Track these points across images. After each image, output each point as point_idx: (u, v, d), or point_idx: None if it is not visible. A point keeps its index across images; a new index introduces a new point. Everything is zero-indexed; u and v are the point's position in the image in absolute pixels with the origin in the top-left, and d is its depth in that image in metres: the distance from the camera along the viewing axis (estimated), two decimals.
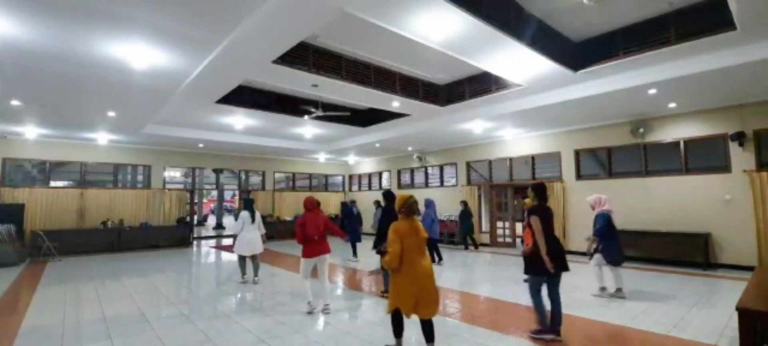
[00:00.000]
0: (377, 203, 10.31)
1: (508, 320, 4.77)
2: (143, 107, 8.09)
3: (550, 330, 4.05)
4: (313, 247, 5.16)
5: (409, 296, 3.41)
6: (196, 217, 18.52)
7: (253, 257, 7.08)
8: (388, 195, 6.08)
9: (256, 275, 7.12)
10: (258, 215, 7.30)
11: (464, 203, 11.47)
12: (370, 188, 17.36)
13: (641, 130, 8.85)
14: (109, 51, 5.17)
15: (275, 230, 15.13)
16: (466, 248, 11.36)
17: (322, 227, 5.21)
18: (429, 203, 8.85)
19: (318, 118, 9.22)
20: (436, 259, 8.71)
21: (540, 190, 4.21)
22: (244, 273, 7.13)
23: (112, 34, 4.74)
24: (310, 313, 5.04)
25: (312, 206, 5.33)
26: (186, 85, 6.64)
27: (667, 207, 8.47)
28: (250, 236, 6.98)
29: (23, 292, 6.57)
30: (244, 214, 7.11)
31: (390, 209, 5.70)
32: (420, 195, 9.61)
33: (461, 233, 11.55)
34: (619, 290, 5.70)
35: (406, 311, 3.44)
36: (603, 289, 5.79)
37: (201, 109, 8.83)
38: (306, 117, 9.09)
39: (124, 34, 4.75)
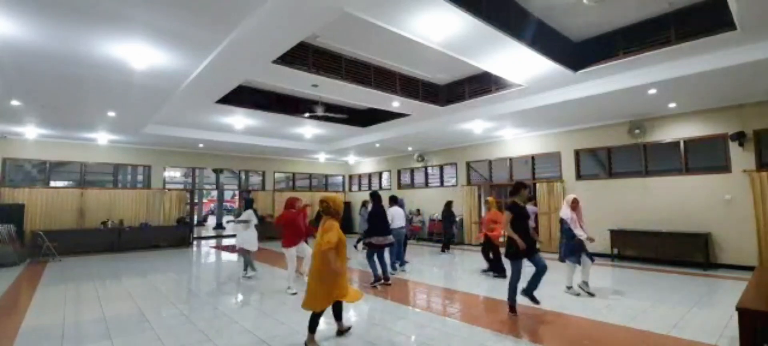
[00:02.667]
0: (365, 203, 11.09)
1: (508, 320, 4.77)
2: (143, 107, 8.10)
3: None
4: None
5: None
6: (195, 217, 18.48)
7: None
8: (374, 195, 7.12)
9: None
10: (245, 214, 7.75)
11: (447, 204, 11.23)
12: (370, 188, 17.35)
13: (637, 131, 8.86)
14: (109, 51, 5.17)
15: (275, 230, 15.13)
16: (443, 251, 10.99)
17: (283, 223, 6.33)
18: (400, 204, 9.51)
19: (318, 118, 9.23)
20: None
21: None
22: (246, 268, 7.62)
23: (112, 34, 4.74)
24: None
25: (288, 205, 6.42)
26: (186, 85, 6.64)
27: (667, 207, 8.47)
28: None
29: (23, 292, 6.57)
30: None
31: (378, 208, 6.90)
32: (420, 195, 9.66)
33: (445, 234, 11.31)
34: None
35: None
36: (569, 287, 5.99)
37: (201, 109, 8.83)
38: (306, 115, 9.13)
39: (124, 34, 4.75)
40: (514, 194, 5.07)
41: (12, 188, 10.67)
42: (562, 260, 6.28)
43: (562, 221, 6.03)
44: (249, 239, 7.46)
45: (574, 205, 5.90)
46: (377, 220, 6.84)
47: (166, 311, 5.34)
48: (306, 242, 6.52)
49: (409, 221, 9.45)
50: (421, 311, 5.33)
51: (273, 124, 10.73)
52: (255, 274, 7.49)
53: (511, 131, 11.00)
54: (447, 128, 10.42)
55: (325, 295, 3.83)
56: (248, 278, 7.33)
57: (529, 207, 9.33)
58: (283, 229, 6.35)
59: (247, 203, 8.12)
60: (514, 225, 4.83)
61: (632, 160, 9.25)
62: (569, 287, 5.94)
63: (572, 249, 5.81)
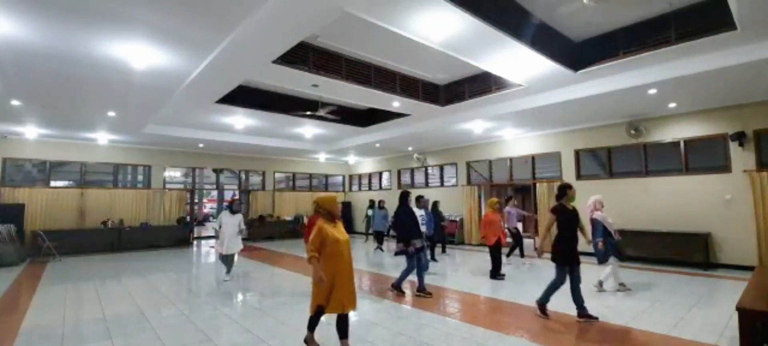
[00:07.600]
0: (380, 202, 12.12)
1: (508, 320, 4.77)
2: (143, 107, 8.09)
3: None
4: None
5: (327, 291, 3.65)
6: (195, 217, 18.45)
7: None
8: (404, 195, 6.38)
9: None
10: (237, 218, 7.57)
11: (433, 203, 10.44)
12: (370, 188, 17.35)
13: (633, 132, 8.87)
14: (109, 51, 5.17)
15: (275, 229, 15.18)
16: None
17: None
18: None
19: (317, 118, 9.23)
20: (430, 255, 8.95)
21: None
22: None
23: (112, 34, 4.74)
24: None
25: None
26: (186, 85, 6.64)
27: (667, 207, 8.47)
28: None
29: (23, 292, 6.57)
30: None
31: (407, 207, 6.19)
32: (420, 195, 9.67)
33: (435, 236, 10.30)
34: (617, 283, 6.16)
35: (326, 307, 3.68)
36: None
37: (201, 109, 8.83)
38: (308, 113, 9.12)
39: (124, 34, 4.75)
40: (560, 197, 4.83)
41: (12, 188, 10.67)
42: (603, 261, 5.95)
43: (595, 223, 5.98)
44: (238, 241, 7.45)
45: (600, 205, 6.10)
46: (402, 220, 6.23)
47: (166, 311, 5.34)
48: None
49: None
50: (422, 311, 5.33)
51: (273, 124, 10.73)
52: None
53: (511, 131, 11.00)
54: (447, 128, 10.42)
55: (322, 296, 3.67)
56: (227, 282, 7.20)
57: (511, 209, 9.28)
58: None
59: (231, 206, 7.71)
60: (559, 229, 4.71)
61: (632, 161, 9.24)
62: (601, 283, 6.12)
63: (614, 247, 5.95)
